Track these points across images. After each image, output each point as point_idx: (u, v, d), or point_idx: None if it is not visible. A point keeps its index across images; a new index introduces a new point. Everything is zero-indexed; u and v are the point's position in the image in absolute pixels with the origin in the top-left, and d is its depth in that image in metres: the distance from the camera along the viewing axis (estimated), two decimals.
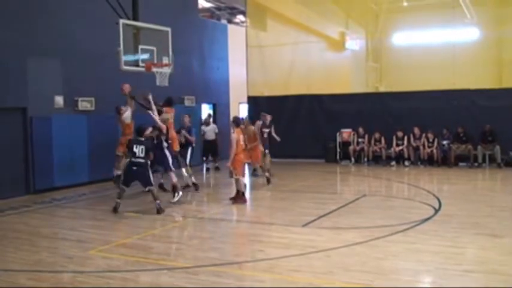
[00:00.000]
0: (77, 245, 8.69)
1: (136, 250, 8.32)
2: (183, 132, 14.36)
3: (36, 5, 14.17)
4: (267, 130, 16.15)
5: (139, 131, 11.48)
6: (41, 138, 14.10)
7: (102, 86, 15.60)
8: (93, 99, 15.61)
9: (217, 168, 18.22)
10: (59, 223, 10.74)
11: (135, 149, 10.97)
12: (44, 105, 14.32)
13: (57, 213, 11.62)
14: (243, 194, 12.05)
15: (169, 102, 13.75)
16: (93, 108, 15.55)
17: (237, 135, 11.98)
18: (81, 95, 15.34)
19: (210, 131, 18.36)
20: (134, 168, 10.99)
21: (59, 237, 9.42)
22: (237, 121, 12.54)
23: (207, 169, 18.44)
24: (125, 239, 9.07)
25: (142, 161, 11.00)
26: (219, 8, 26.57)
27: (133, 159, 11.01)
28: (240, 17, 27.34)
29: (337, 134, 19.84)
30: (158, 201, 10.93)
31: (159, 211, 10.82)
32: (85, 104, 15.42)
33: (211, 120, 19.40)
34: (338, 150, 19.88)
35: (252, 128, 14.78)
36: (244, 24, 24.08)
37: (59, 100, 14.83)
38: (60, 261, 7.79)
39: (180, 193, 12.12)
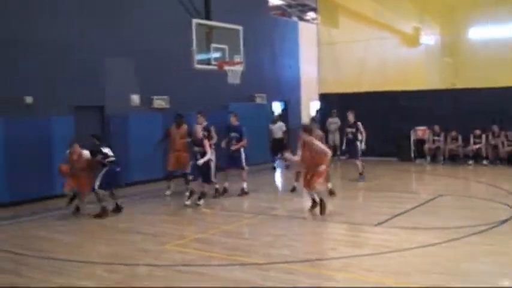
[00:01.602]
0: (152, 239, 8.92)
1: (211, 245, 8.46)
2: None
3: (112, 6, 14.63)
4: (350, 130, 15.30)
5: None
6: (118, 136, 14.57)
7: (176, 85, 15.96)
8: (167, 97, 15.98)
9: (287, 167, 18.18)
10: (134, 218, 11.03)
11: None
12: (121, 103, 14.78)
13: (133, 208, 11.94)
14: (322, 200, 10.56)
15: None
16: (168, 106, 15.92)
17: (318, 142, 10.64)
18: (156, 94, 15.73)
19: (277, 129, 18.32)
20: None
21: (135, 232, 9.68)
22: (309, 128, 10.96)
23: (274, 168, 18.38)
24: (199, 234, 9.23)
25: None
26: (289, 6, 26.54)
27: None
28: (310, 14, 27.20)
29: (411, 131, 19.37)
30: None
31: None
32: (160, 102, 15.81)
33: (279, 118, 19.35)
34: (412, 148, 19.42)
35: (320, 133, 13.20)
36: (315, 21, 23.93)
37: (135, 98, 15.28)
38: (136, 254, 8.02)
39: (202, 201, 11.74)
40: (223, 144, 12.99)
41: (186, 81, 15.84)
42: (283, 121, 19.29)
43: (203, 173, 11.64)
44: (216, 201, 12.30)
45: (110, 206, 10.96)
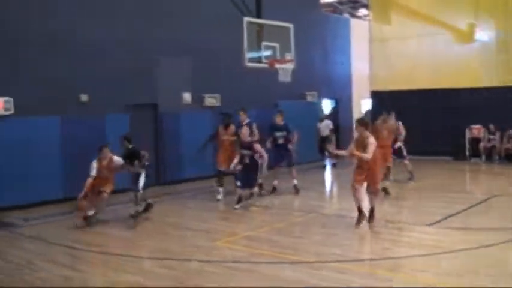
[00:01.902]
0: (204, 236, 9.04)
1: (260, 243, 8.50)
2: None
3: (166, 5, 14.85)
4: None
5: None
6: (171, 133, 14.83)
7: (226, 83, 16.08)
8: (218, 95, 16.11)
9: (333, 165, 18.07)
10: (186, 214, 11.20)
11: None
12: (173, 101, 14.99)
13: (185, 204, 12.13)
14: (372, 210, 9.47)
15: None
16: (218, 104, 16.06)
17: (374, 140, 9.12)
18: (208, 92, 15.89)
19: (324, 127, 18.22)
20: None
21: (187, 228, 9.84)
22: (366, 122, 9.63)
23: (323, 166, 18.30)
24: (249, 231, 9.29)
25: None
26: (341, 2, 26.35)
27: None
28: (362, 11, 26.93)
29: (466, 130, 18.93)
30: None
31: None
32: (211, 100, 15.97)
33: (326, 116, 19.28)
34: (467, 147, 18.98)
35: (394, 123, 12.83)
36: (367, 17, 23.67)
37: (187, 97, 15.48)
38: (187, 250, 8.16)
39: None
40: (268, 144, 12.82)
41: (236, 79, 15.93)
42: (332, 119, 19.21)
43: (250, 178, 11.32)
44: (267, 199, 12.29)
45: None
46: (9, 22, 12.00)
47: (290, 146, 12.94)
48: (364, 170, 9.14)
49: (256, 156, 11.29)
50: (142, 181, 10.39)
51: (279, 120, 13.09)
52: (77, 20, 12.99)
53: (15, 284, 6.84)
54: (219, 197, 12.43)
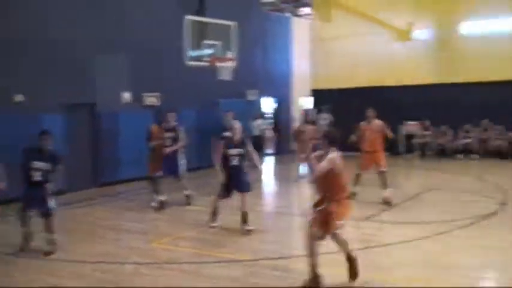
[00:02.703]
0: (139, 237, 8.96)
1: (196, 243, 8.51)
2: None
3: (103, 2, 14.60)
4: None
5: None
6: (109, 133, 14.59)
7: (167, 81, 15.95)
8: (159, 94, 15.99)
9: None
10: (123, 215, 11.04)
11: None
12: (112, 101, 14.77)
13: (122, 205, 11.96)
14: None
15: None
16: (159, 104, 15.92)
17: (332, 162, 6.32)
18: (148, 91, 15.73)
19: (257, 126, 17.92)
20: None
21: (123, 229, 9.72)
22: (333, 138, 6.55)
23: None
24: (186, 232, 9.26)
25: None
26: (283, 1, 26.46)
27: None
28: (304, 10, 27.15)
29: (402, 126, 19.45)
30: None
31: None
32: (151, 99, 15.80)
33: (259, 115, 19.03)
34: (403, 142, 19.49)
35: (379, 123, 11.54)
36: (309, 16, 23.94)
37: (126, 96, 15.28)
38: (123, 252, 8.07)
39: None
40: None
41: (177, 78, 15.83)
42: (273, 117, 19.21)
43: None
44: (202, 200, 12.14)
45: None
46: None
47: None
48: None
49: None
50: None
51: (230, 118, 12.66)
52: (10, 18, 12.62)
53: None
54: (156, 203, 11.37)
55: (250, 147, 9.37)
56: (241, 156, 9.21)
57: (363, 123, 11.54)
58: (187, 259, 7.55)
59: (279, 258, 7.48)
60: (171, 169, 11.33)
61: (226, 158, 9.12)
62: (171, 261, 7.48)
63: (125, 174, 14.80)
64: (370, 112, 11.59)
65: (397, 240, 8.08)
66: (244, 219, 9.05)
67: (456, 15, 20.17)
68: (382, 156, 11.35)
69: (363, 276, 6.43)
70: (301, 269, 6.74)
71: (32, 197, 8.07)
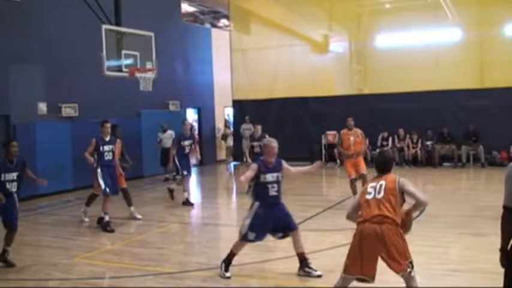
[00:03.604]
0: (61, 253, 8.62)
1: (122, 256, 8.29)
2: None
3: (17, 11, 14.07)
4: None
5: None
6: (25, 146, 13.89)
7: (85, 92, 15.55)
8: (76, 105, 15.54)
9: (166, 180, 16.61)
10: (43, 231, 10.64)
11: None
12: (27, 112, 14.21)
13: (41, 220, 11.53)
14: None
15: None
16: (76, 115, 15.48)
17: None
18: (65, 102, 15.26)
19: (167, 139, 16.86)
20: None
21: (43, 245, 9.36)
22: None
23: (166, 179, 16.74)
24: (110, 245, 9.03)
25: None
26: (202, 12, 26.53)
27: None
28: (223, 21, 27.33)
29: (322, 136, 19.89)
30: None
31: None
32: (69, 110, 15.34)
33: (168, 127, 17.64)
34: (323, 152, 19.93)
35: (359, 130, 12.35)
36: (228, 28, 24.09)
37: (42, 107, 14.75)
38: (44, 268, 7.74)
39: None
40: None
41: (96, 88, 15.47)
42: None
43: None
44: (126, 212, 11.89)
45: None
46: None
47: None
48: None
49: None
50: None
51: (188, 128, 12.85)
52: None
53: None
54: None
55: None
56: None
57: (344, 131, 12.26)
58: (113, 273, 7.34)
59: (208, 269, 7.41)
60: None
61: None
62: (96, 276, 7.26)
63: (43, 187, 14.20)
64: (351, 120, 12.45)
65: (322, 248, 8.21)
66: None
67: (369, 28, 20.94)
68: (363, 161, 12.13)
69: (290, 283, 6.49)
70: (233, 279, 6.72)
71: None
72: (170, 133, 16.99)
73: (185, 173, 12.39)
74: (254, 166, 6.87)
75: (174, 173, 13.34)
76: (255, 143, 13.65)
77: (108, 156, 10.33)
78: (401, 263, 5.15)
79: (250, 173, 6.82)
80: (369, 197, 5.32)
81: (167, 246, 8.90)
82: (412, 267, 5.18)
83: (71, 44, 15.07)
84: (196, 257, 8.06)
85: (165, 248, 8.78)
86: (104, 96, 15.92)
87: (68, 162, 14.92)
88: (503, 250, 4.16)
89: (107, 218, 10.10)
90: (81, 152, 14.50)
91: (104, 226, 10.04)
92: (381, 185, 5.31)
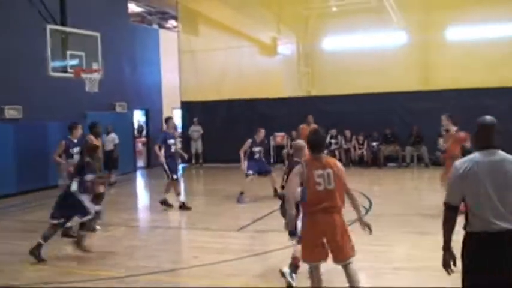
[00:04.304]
0: (6, 258, 8.39)
1: (70, 261, 8.15)
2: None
3: None
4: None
5: None
6: None
7: (29, 93, 15.17)
8: (20, 107, 15.14)
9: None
10: None
11: None
12: None
13: None
14: None
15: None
16: (20, 116, 15.09)
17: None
18: (8, 103, 14.85)
19: (109, 141, 16.68)
20: None
21: None
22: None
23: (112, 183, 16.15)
24: (57, 250, 8.82)
25: None
26: (150, 13, 26.30)
27: None
28: (171, 22, 27.16)
29: (271, 137, 20.02)
30: None
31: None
32: (12, 112, 14.94)
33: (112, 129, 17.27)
34: (271, 153, 20.07)
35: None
36: (176, 29, 23.96)
37: None
38: None
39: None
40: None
41: (40, 89, 15.10)
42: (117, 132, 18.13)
43: None
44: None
45: None
46: None
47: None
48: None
49: None
50: None
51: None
52: None
53: None
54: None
55: None
56: None
57: (304, 126, 12.38)
58: (62, 279, 7.20)
59: (159, 272, 7.36)
60: None
61: None
62: (44, 281, 7.10)
63: None
64: (311, 118, 14.43)
65: (273, 248, 8.27)
66: None
67: (317, 30, 21.23)
68: None
69: (240, 285, 6.53)
70: (179, 282, 6.71)
71: None
72: (113, 136, 16.77)
73: (175, 176, 11.99)
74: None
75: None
76: (257, 148, 13.21)
77: (75, 160, 9.84)
78: (349, 251, 5.47)
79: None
80: (319, 188, 5.37)
81: (116, 250, 8.78)
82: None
83: (15, 44, 14.68)
84: (144, 261, 7.98)
85: (113, 252, 8.66)
86: (49, 97, 15.57)
87: (12, 165, 14.52)
88: (445, 249, 4.22)
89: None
90: (26, 155, 14.31)
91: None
92: (328, 174, 5.40)
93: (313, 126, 12.65)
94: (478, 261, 4.03)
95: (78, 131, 10.42)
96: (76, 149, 10.09)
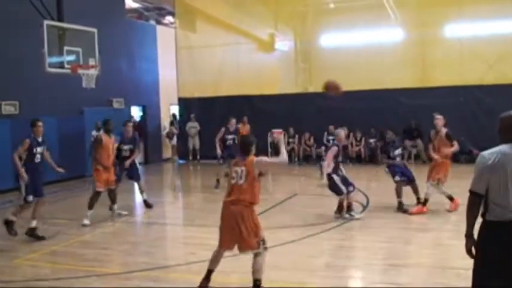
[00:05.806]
0: (3, 255, 8.38)
1: (65, 257, 8.14)
2: None
3: None
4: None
5: None
6: None
7: (27, 89, 15.13)
8: (17, 102, 15.11)
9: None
10: None
11: None
12: None
13: None
14: None
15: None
16: (17, 112, 15.05)
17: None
18: (5, 99, 14.82)
19: None
20: None
21: None
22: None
23: None
24: (52, 246, 8.82)
25: None
26: (147, 9, 26.23)
27: None
28: (169, 18, 27.09)
29: (268, 134, 20.01)
30: None
31: None
32: (9, 108, 14.91)
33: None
34: (269, 150, 20.05)
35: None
36: (173, 25, 23.91)
37: None
38: None
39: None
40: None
41: (38, 85, 15.07)
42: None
43: None
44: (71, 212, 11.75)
45: None
46: None
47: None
48: None
49: None
50: None
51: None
52: None
53: None
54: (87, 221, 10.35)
55: None
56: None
57: (239, 125, 13.65)
58: (57, 275, 7.19)
59: (155, 268, 7.35)
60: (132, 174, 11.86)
61: None
62: (40, 277, 7.09)
63: None
64: (245, 118, 14.89)
65: (269, 245, 8.26)
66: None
67: (314, 27, 21.21)
68: None
69: (238, 281, 6.53)
70: (176, 278, 6.70)
71: None
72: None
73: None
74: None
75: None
76: (230, 136, 14.26)
77: (38, 159, 9.41)
78: (252, 241, 6.12)
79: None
80: (233, 181, 6.16)
81: (111, 247, 8.79)
82: (264, 245, 6.18)
83: (12, 39, 14.64)
84: (140, 257, 7.98)
85: (109, 249, 8.66)
86: (46, 93, 15.54)
87: (8, 161, 14.43)
88: (468, 235, 4.34)
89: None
90: None
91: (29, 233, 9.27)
92: (242, 171, 6.12)
93: (247, 126, 15.06)
94: (492, 249, 4.15)
95: (40, 129, 9.44)
96: (40, 149, 9.36)
